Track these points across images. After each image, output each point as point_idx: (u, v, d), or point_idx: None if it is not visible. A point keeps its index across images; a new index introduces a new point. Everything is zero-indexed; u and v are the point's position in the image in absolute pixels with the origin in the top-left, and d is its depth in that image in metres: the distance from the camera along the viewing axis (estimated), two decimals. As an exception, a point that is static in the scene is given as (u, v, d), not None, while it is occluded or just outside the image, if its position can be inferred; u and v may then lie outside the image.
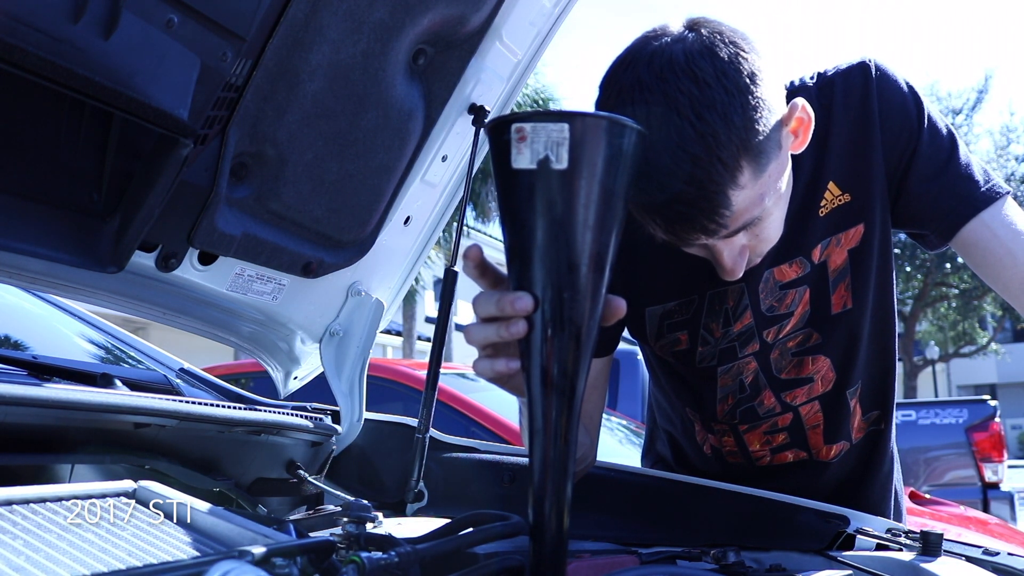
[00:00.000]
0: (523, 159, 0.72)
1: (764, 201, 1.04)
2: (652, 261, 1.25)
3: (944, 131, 1.24)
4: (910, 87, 1.24)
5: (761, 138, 0.99)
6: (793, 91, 1.22)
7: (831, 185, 1.22)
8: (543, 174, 0.72)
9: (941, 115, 1.26)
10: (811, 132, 1.10)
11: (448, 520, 1.04)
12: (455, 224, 1.52)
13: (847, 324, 1.28)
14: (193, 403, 1.24)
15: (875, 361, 1.35)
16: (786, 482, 1.37)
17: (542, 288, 0.75)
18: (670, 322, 1.29)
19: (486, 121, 1.41)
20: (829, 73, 1.24)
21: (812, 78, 1.25)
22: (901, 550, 1.11)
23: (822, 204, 1.22)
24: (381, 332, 1.63)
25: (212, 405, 1.31)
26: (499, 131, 0.74)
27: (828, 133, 1.21)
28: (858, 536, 1.17)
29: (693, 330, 1.28)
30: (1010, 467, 7.97)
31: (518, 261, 0.76)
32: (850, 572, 1.06)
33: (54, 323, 1.85)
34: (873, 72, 1.22)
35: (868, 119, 1.21)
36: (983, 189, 1.22)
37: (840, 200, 1.22)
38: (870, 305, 1.29)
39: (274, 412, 1.39)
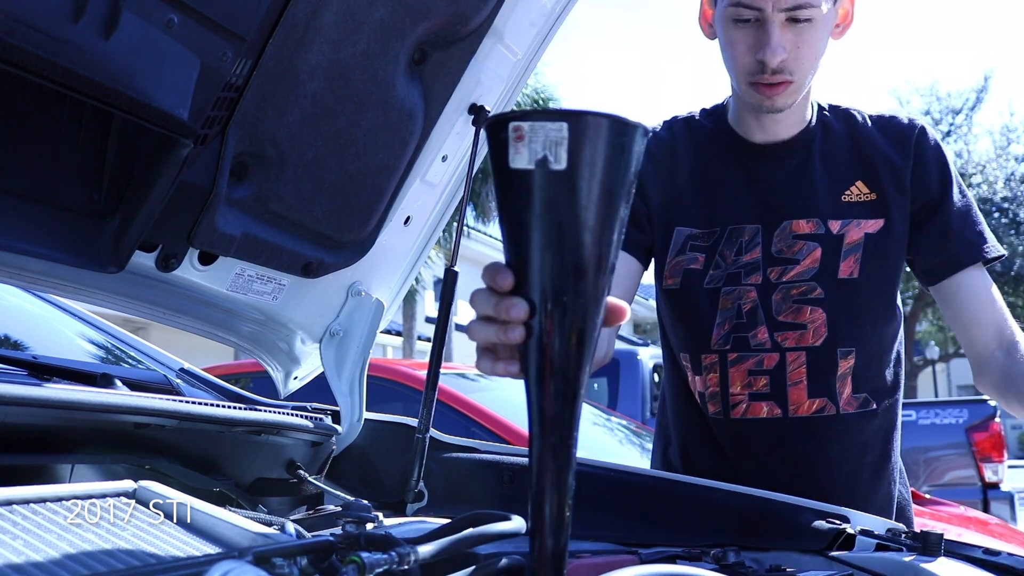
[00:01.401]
0: (521, 159, 0.71)
1: (820, 5, 1.34)
2: (690, 189, 1.51)
3: (964, 190, 1.52)
4: (944, 150, 1.53)
5: None
6: (846, 111, 1.54)
7: (859, 183, 1.47)
8: (541, 174, 0.71)
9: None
10: (849, 29, 1.43)
11: (448, 520, 1.04)
12: (455, 224, 1.52)
13: (849, 290, 1.46)
14: (193, 403, 1.24)
15: (869, 340, 1.48)
16: (757, 441, 1.48)
17: (541, 291, 0.73)
18: (693, 243, 1.51)
19: (485, 119, 1.41)
20: (887, 114, 1.54)
21: (870, 113, 1.55)
22: (901, 550, 1.11)
23: (847, 192, 1.47)
24: (381, 332, 1.63)
25: (212, 405, 1.31)
26: (497, 129, 0.72)
27: (864, 144, 1.49)
28: (858, 536, 1.17)
29: (710, 254, 1.50)
30: (1010, 467, 7.98)
31: (517, 262, 0.75)
32: (850, 572, 1.06)
33: (54, 323, 1.85)
34: (919, 124, 1.51)
35: (904, 150, 1.47)
36: (989, 245, 1.50)
37: (867, 196, 1.47)
38: (875, 287, 1.47)
39: (274, 412, 1.39)
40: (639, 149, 0.73)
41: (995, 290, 1.49)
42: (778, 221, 1.47)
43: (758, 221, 1.48)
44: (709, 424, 1.56)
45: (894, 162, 1.47)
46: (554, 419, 0.74)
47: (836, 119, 1.51)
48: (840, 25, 1.43)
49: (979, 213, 1.51)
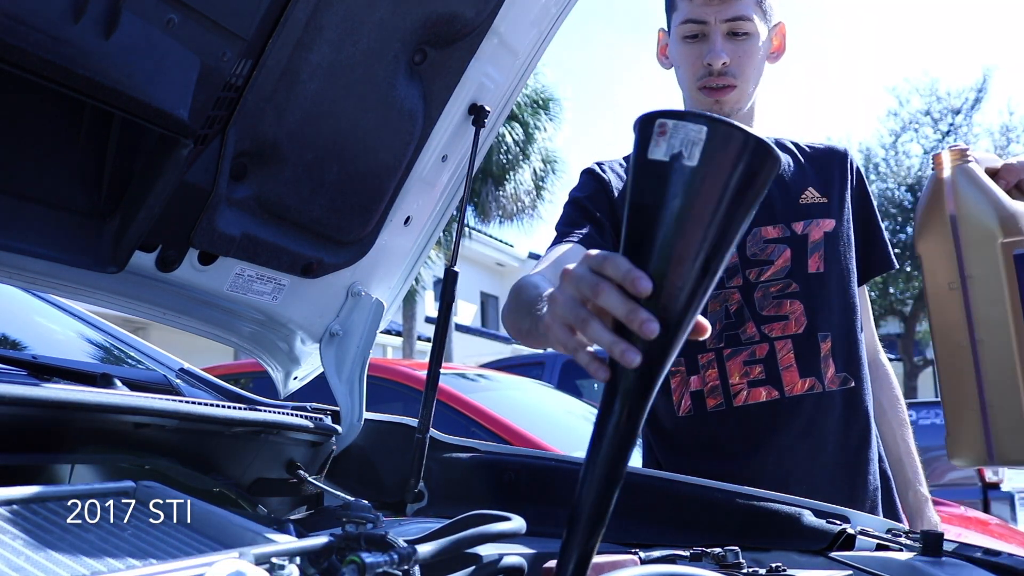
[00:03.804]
0: (659, 151, 0.76)
1: (755, 21, 1.60)
2: None
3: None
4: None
5: (766, 8, 1.63)
6: (781, 140, 1.77)
7: (811, 189, 1.70)
8: (672, 167, 0.75)
9: None
10: (782, 55, 1.71)
11: (448, 520, 1.05)
12: (455, 224, 1.52)
13: (819, 282, 1.65)
14: (193, 403, 1.24)
15: (841, 322, 1.66)
16: (759, 425, 1.60)
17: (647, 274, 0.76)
18: None
19: (485, 119, 1.51)
20: (814, 142, 1.82)
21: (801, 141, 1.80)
22: (901, 550, 1.12)
23: (803, 195, 1.69)
24: (381, 332, 1.63)
25: (212, 405, 1.31)
26: (645, 125, 0.77)
27: (807, 159, 1.74)
28: (858, 536, 1.17)
29: None
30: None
31: (631, 248, 0.78)
32: (850, 572, 1.06)
33: (54, 323, 1.85)
34: (846, 148, 1.82)
35: (841, 166, 1.75)
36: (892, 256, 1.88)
37: (819, 199, 1.69)
38: (838, 277, 1.68)
39: (274, 412, 1.39)
40: (765, 174, 0.77)
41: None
42: (748, 228, 1.60)
43: None
44: (690, 431, 1.66)
45: (833, 174, 1.73)
46: (626, 403, 0.78)
47: (778, 145, 1.74)
48: (775, 52, 1.69)
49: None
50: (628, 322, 0.76)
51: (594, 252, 0.80)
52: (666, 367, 0.79)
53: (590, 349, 0.81)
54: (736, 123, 0.75)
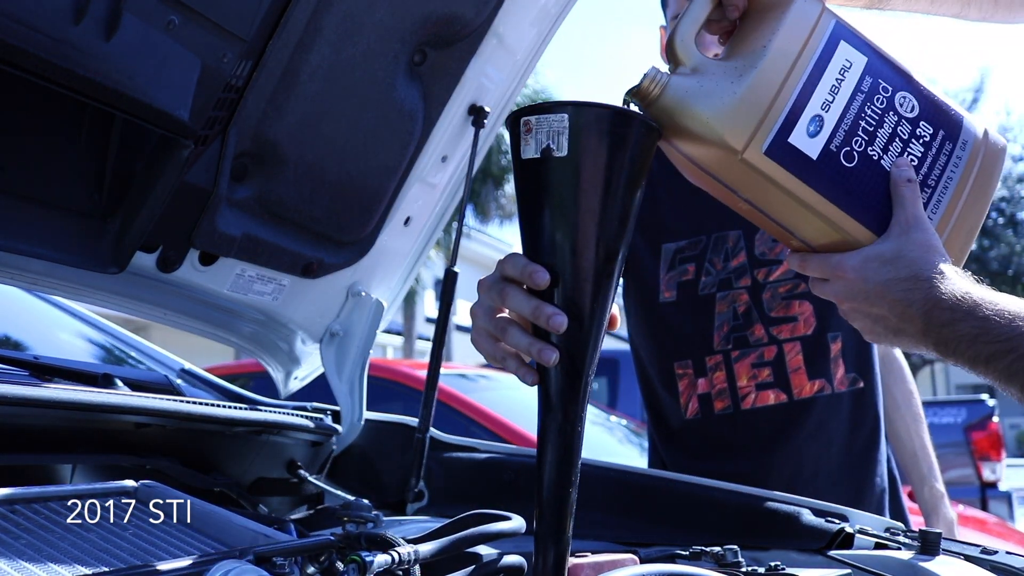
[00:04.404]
0: (529, 149, 0.76)
1: None
2: (671, 206, 1.62)
3: None
4: None
5: None
6: None
7: None
8: (545, 162, 0.75)
9: None
10: None
11: (448, 520, 1.05)
12: (455, 224, 1.53)
13: None
14: (194, 403, 1.25)
15: None
16: (768, 428, 1.58)
17: (548, 271, 0.77)
18: (681, 256, 1.63)
19: (484, 119, 1.49)
20: None
21: None
22: (900, 549, 1.12)
23: None
24: (381, 332, 1.63)
25: (213, 405, 1.31)
26: (513, 125, 0.78)
27: None
28: (857, 535, 1.17)
29: (699, 263, 1.62)
30: (1008, 466, 7.97)
31: (528, 248, 0.79)
32: (849, 571, 1.06)
33: (55, 324, 1.85)
34: None
35: None
36: None
37: None
38: None
39: (274, 412, 1.39)
40: (641, 140, 0.77)
41: None
42: (755, 226, 1.56)
43: (739, 227, 1.60)
44: (697, 433, 1.64)
45: None
46: (561, 396, 0.79)
47: None
48: None
49: None
50: (535, 319, 0.77)
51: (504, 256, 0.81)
52: (590, 361, 0.79)
53: (514, 354, 0.81)
54: (596, 101, 0.76)
